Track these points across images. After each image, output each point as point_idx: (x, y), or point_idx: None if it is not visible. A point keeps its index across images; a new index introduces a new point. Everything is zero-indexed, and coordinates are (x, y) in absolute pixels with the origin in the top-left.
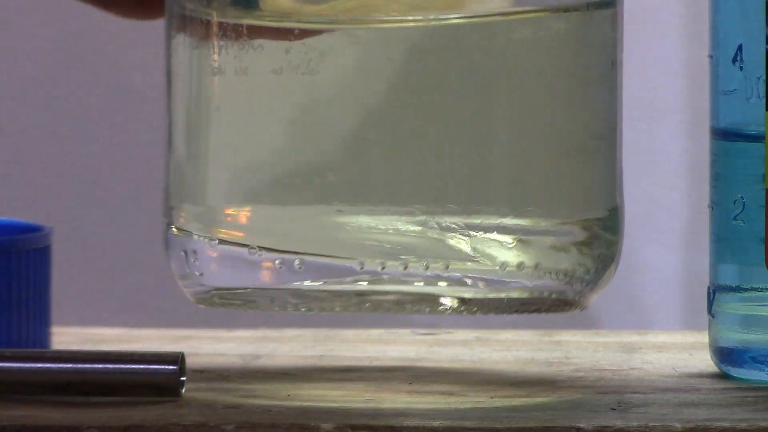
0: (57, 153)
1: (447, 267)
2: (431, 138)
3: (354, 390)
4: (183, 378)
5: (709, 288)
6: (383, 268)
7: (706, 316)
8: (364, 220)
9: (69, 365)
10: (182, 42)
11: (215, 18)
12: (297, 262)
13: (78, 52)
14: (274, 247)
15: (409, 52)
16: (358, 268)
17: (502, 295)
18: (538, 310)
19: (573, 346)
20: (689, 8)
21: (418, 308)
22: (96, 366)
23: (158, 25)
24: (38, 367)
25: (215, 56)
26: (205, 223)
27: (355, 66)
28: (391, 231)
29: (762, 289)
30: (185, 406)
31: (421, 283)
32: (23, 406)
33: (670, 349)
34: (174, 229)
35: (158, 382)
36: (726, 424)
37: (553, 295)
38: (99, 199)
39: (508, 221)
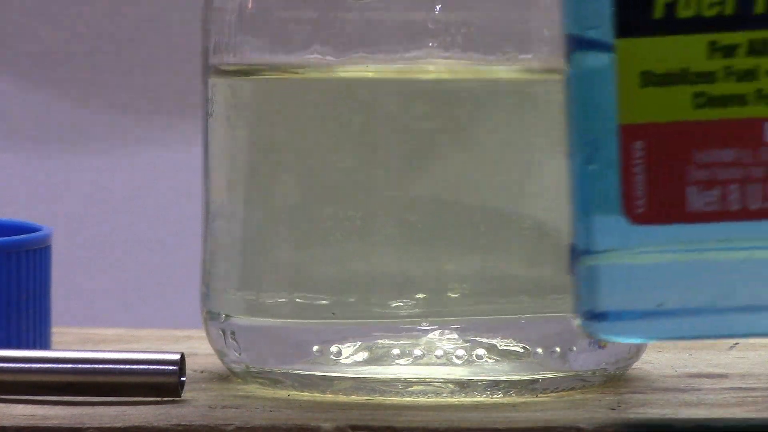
0: (57, 153)
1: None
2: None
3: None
4: (183, 378)
5: (571, 245)
6: (422, 354)
7: None
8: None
9: (69, 366)
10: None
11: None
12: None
13: (78, 52)
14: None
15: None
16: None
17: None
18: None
19: None
20: None
21: (455, 390)
22: (96, 366)
23: (157, 25)
24: (38, 368)
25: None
26: (243, 306)
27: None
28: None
29: (630, 247)
30: (185, 406)
31: (461, 367)
32: (23, 406)
33: (670, 349)
34: (212, 311)
35: (158, 382)
36: (725, 424)
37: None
38: (99, 199)
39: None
